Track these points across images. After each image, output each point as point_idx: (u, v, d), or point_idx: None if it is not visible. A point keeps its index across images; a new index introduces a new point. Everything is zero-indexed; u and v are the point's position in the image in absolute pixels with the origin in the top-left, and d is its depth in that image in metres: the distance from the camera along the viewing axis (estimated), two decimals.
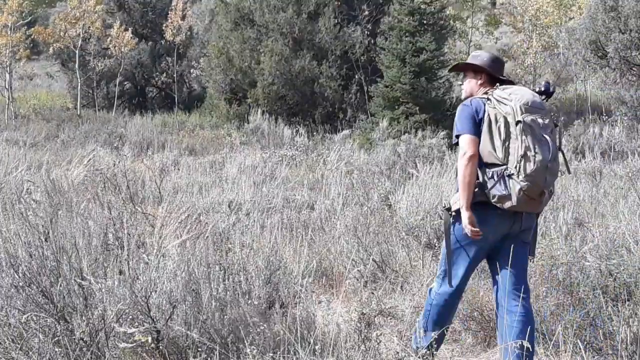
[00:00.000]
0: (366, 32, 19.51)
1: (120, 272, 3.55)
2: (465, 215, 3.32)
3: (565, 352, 3.63)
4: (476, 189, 3.34)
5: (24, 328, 3.32)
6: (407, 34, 16.92)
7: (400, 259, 5.34)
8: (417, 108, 16.45)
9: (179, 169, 10.62)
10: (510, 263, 3.38)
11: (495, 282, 3.49)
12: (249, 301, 3.63)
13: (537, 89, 3.54)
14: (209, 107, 21.91)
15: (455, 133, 3.46)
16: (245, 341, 3.35)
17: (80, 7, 21.84)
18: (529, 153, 3.25)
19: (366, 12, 19.60)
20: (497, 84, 3.55)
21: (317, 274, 5.03)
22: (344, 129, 17.43)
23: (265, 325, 3.44)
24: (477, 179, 3.35)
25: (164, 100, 25.69)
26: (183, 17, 23.04)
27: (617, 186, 8.23)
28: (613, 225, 5.06)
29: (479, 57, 3.71)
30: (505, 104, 3.35)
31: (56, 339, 3.29)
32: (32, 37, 23.22)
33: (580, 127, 16.24)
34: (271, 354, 3.33)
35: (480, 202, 3.33)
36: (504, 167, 3.29)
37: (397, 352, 3.45)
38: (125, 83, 25.86)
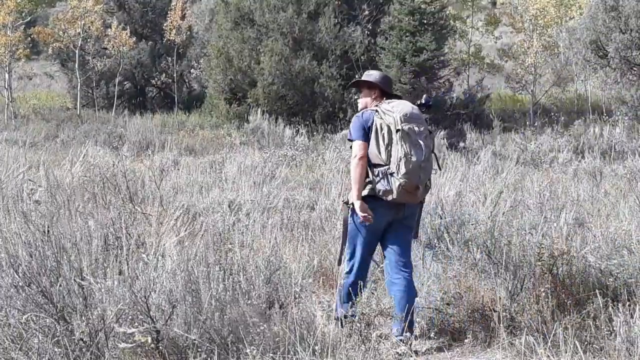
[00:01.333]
0: (366, 31, 19.49)
1: (120, 272, 3.55)
2: (357, 204, 4.02)
3: (565, 352, 3.62)
4: (367, 185, 4.02)
5: (24, 328, 3.31)
6: (407, 34, 16.92)
7: None
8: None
9: (178, 169, 10.61)
10: (396, 243, 4.12)
11: (385, 257, 4.19)
12: (249, 301, 3.63)
13: (418, 102, 4.25)
14: (209, 107, 21.89)
15: (348, 138, 4.17)
16: (245, 341, 3.35)
17: (79, 6, 21.83)
18: (406, 155, 3.93)
19: (366, 12, 19.59)
20: (385, 98, 4.25)
21: (317, 274, 5.03)
22: (344, 129, 17.41)
23: (265, 326, 3.44)
24: (367, 177, 4.03)
25: (164, 100, 25.67)
26: (183, 17, 23.03)
27: (617, 186, 8.23)
28: (614, 226, 5.05)
29: (372, 76, 4.35)
30: (389, 115, 4.01)
31: (56, 339, 3.29)
32: (32, 36, 23.20)
33: (580, 127, 16.25)
34: (271, 354, 3.33)
35: (370, 196, 4.02)
36: (387, 167, 3.97)
37: (397, 353, 3.46)
38: (125, 83, 25.84)
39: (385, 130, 3.99)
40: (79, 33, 22.16)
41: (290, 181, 9.25)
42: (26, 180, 6.13)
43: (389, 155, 3.97)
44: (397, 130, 3.95)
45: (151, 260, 3.58)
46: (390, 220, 4.10)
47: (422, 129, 4.02)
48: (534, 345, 3.77)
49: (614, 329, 3.69)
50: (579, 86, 22.23)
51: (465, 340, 4.12)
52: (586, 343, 3.75)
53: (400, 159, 3.92)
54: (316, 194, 8.22)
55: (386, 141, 3.98)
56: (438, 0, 17.80)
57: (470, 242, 4.80)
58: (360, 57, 19.04)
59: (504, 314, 4.01)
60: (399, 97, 4.32)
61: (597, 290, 4.02)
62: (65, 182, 6.49)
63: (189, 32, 24.06)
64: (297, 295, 3.94)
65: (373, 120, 4.05)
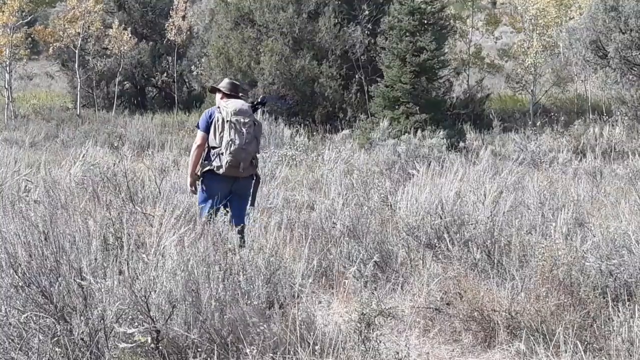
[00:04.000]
0: (366, 31, 19.50)
1: (120, 272, 3.54)
2: (188, 179, 5.62)
3: (565, 352, 3.62)
4: (208, 162, 5.44)
5: (24, 328, 3.31)
6: (407, 34, 16.91)
7: (400, 259, 5.33)
8: (418, 108, 16.44)
9: (178, 169, 10.60)
10: (235, 206, 5.41)
11: (229, 214, 5.05)
12: (249, 301, 3.62)
13: (257, 100, 5.84)
14: (209, 107, 21.85)
15: (196, 125, 5.68)
16: (245, 341, 3.35)
17: (80, 6, 21.82)
18: (230, 140, 5.36)
19: (366, 12, 19.59)
20: (228, 98, 5.62)
21: (317, 274, 5.02)
22: (344, 129, 17.42)
23: (265, 326, 3.43)
24: (209, 157, 5.44)
25: (164, 100, 25.66)
26: (183, 17, 23.03)
27: (617, 186, 8.22)
28: (614, 225, 5.04)
29: (221, 84, 5.80)
30: (224, 110, 5.47)
31: (56, 339, 3.28)
32: (32, 36, 23.18)
33: (580, 127, 16.26)
34: (271, 354, 3.33)
35: (211, 171, 5.44)
36: (219, 148, 5.41)
37: (397, 352, 3.45)
38: (125, 83, 25.84)
39: (220, 122, 5.42)
40: (79, 33, 22.16)
41: (290, 181, 9.25)
42: (25, 180, 6.12)
43: (221, 140, 5.39)
44: (227, 122, 5.38)
45: (151, 260, 3.58)
46: (229, 189, 5.45)
47: (247, 120, 5.44)
48: (534, 345, 3.77)
49: (614, 329, 3.69)
50: (578, 86, 22.21)
51: (465, 340, 4.12)
52: (586, 343, 3.75)
53: (227, 143, 5.33)
54: (316, 193, 8.22)
55: (219, 130, 5.41)
56: (438, 0, 17.80)
57: (470, 242, 4.80)
58: (360, 57, 19.05)
59: (504, 313, 4.01)
60: (239, 97, 5.71)
61: (597, 290, 4.02)
62: (65, 181, 6.48)
63: (189, 32, 24.05)
64: (297, 296, 3.93)
65: (214, 114, 5.49)
